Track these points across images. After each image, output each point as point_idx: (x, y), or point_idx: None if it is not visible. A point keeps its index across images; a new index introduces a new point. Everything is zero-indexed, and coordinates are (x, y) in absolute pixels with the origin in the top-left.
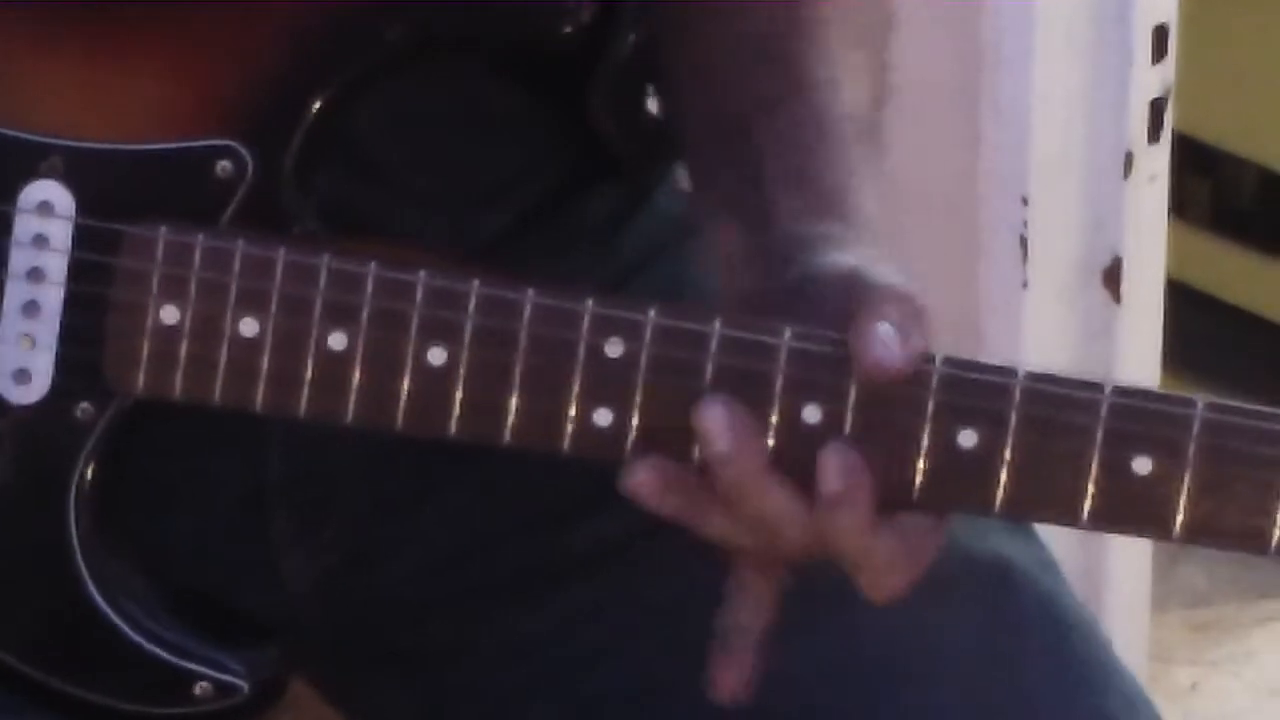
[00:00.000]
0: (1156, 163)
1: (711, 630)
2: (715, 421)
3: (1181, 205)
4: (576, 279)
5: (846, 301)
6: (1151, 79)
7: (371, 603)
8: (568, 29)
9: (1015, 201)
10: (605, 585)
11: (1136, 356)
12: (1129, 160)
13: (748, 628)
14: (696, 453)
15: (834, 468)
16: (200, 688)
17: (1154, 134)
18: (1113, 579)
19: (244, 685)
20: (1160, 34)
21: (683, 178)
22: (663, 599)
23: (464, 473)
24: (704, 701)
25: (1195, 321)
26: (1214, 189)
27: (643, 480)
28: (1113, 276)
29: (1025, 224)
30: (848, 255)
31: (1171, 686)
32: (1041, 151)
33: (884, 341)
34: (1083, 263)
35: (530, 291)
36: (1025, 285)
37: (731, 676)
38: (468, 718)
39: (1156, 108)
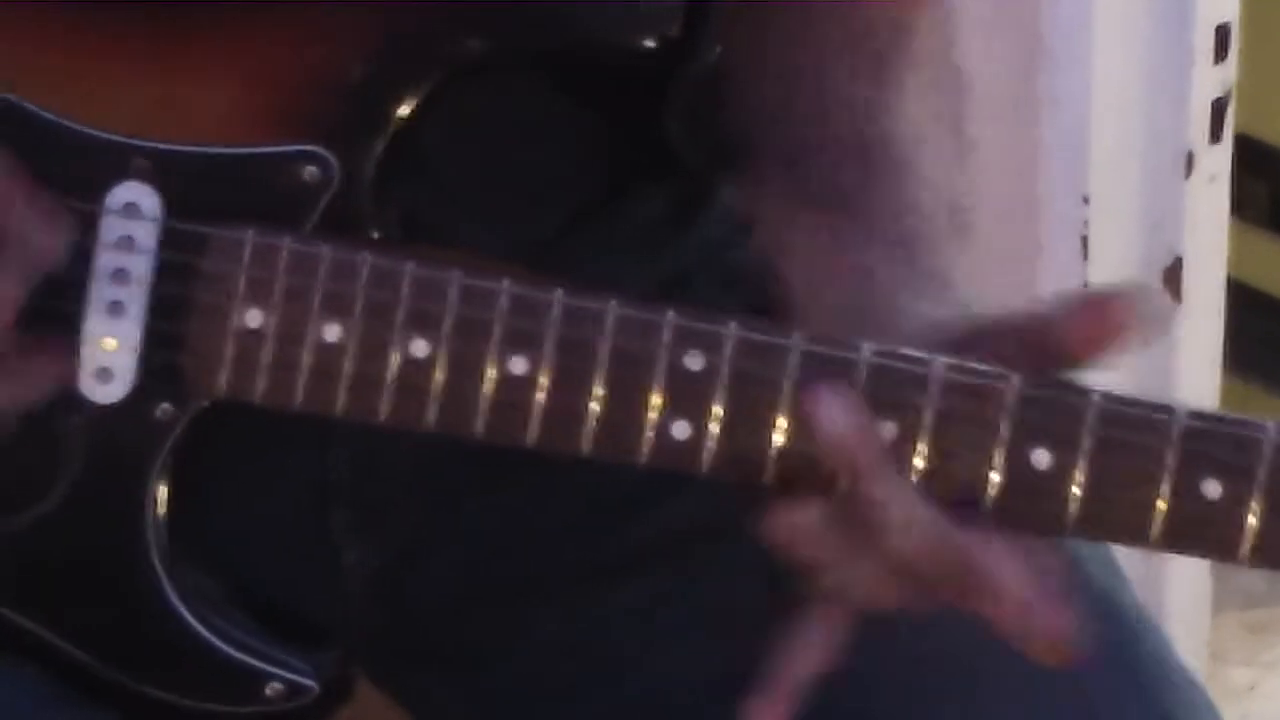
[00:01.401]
0: (1217, 163)
1: (763, 631)
2: (827, 407)
3: (1241, 205)
4: (635, 277)
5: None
6: (1213, 79)
7: (425, 600)
8: (652, 43)
9: (1076, 201)
10: (657, 584)
11: (1196, 356)
12: (1190, 160)
13: (798, 676)
14: (771, 471)
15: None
16: (272, 688)
17: (1215, 134)
18: (1172, 580)
19: (315, 685)
20: (1222, 33)
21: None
22: (716, 600)
23: (518, 470)
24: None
25: (1255, 321)
26: (1274, 189)
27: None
28: (1173, 276)
29: (1085, 224)
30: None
31: (1229, 687)
32: (1102, 151)
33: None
34: (1143, 263)
35: (613, 303)
36: (1085, 285)
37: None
38: (518, 715)
39: (1217, 107)
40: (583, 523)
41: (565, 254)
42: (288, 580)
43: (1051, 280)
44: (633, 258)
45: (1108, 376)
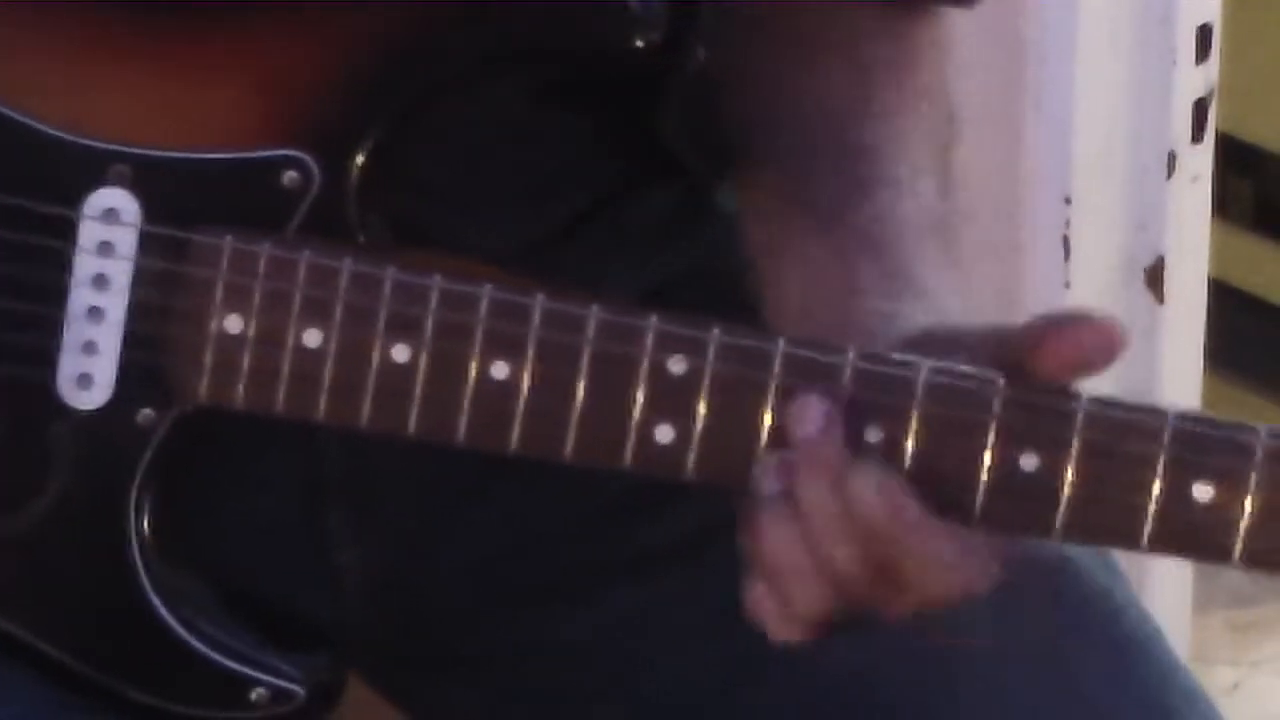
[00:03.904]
0: (1199, 163)
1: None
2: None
3: (1224, 205)
4: (631, 280)
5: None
6: (1195, 79)
7: (427, 600)
8: (640, 44)
9: (1058, 201)
10: (668, 586)
11: (1179, 357)
12: (1172, 160)
13: None
14: (755, 475)
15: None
16: (256, 693)
17: (1197, 134)
18: (1154, 579)
19: (300, 691)
20: (1204, 34)
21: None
22: (726, 601)
23: (521, 468)
24: (768, 704)
25: (1238, 321)
26: (1257, 189)
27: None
28: (1155, 277)
29: (1067, 224)
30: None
31: (1213, 687)
32: (1084, 151)
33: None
34: (1125, 263)
35: (595, 307)
36: (1067, 285)
37: None
38: (522, 717)
39: (1200, 107)
40: (588, 524)
41: (561, 255)
42: (282, 582)
43: (1033, 280)
44: (630, 260)
45: (1091, 377)
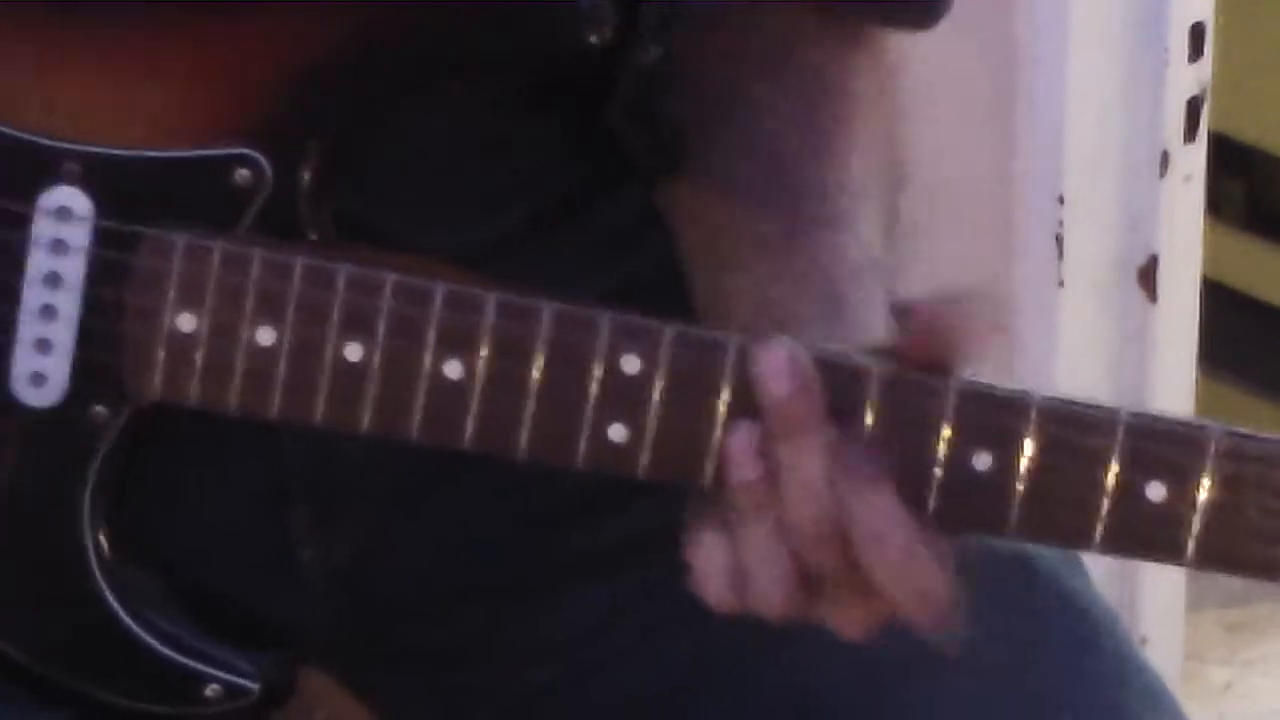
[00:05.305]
0: (1192, 162)
1: (739, 629)
2: (777, 361)
3: (1217, 204)
4: (589, 284)
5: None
6: (1188, 78)
7: (391, 597)
8: (593, 40)
9: (1051, 200)
10: (631, 583)
11: (1172, 355)
12: (1165, 159)
13: None
14: (708, 472)
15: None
16: (210, 689)
17: (1190, 133)
18: (1147, 579)
19: (254, 687)
20: (1197, 33)
21: None
22: (690, 598)
23: (486, 464)
24: (732, 701)
25: (1230, 320)
26: (1249, 188)
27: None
28: (1148, 276)
29: (1061, 223)
30: None
31: (1206, 686)
32: (1077, 151)
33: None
34: (1118, 262)
35: (549, 305)
36: (1061, 284)
37: None
38: (491, 715)
39: (1193, 107)
40: (554, 519)
41: (524, 258)
42: (242, 579)
43: (1026, 279)
44: (594, 262)
45: (1083, 375)
